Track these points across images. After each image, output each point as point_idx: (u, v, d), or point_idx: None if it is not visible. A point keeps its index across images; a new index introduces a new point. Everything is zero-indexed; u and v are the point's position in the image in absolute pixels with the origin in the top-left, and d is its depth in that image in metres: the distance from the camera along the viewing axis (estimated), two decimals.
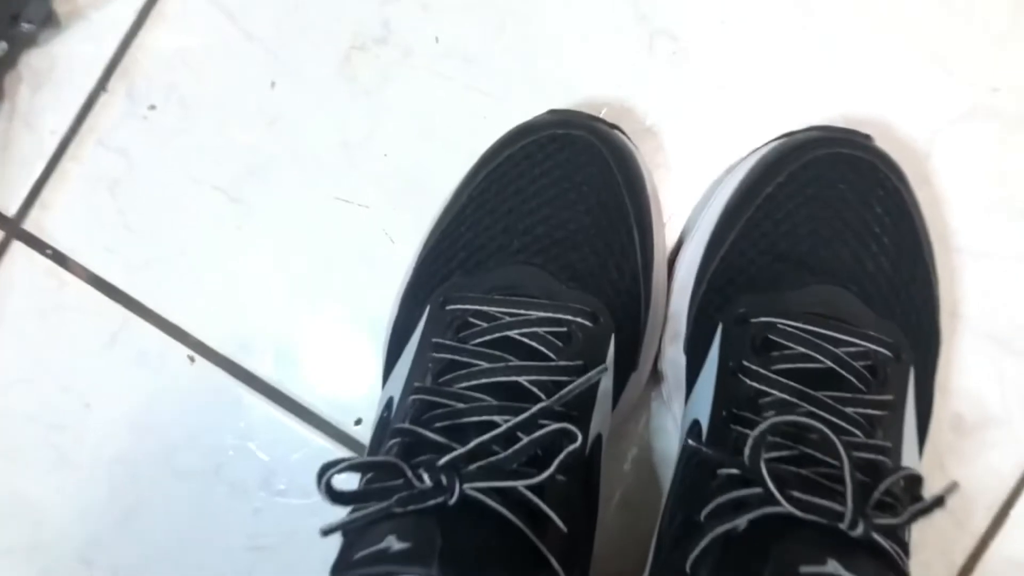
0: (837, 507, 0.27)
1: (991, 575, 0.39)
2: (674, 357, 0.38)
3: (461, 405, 0.31)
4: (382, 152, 0.43)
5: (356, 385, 0.43)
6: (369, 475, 0.31)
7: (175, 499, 0.43)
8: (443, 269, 0.36)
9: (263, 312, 0.43)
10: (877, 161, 0.35)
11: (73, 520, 0.43)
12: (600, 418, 0.34)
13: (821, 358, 0.32)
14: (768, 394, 0.31)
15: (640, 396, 0.40)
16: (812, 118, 0.40)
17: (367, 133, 0.43)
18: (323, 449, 0.42)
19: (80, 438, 0.43)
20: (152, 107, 0.44)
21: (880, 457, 0.30)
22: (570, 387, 0.30)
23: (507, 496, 0.28)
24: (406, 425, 0.31)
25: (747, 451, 0.27)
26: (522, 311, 0.33)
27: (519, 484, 0.28)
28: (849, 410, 0.31)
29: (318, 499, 0.27)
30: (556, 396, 0.30)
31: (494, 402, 0.31)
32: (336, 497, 0.27)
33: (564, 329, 0.33)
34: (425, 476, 0.28)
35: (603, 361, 0.33)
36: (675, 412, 0.39)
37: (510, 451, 0.29)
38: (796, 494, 0.27)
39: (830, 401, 0.31)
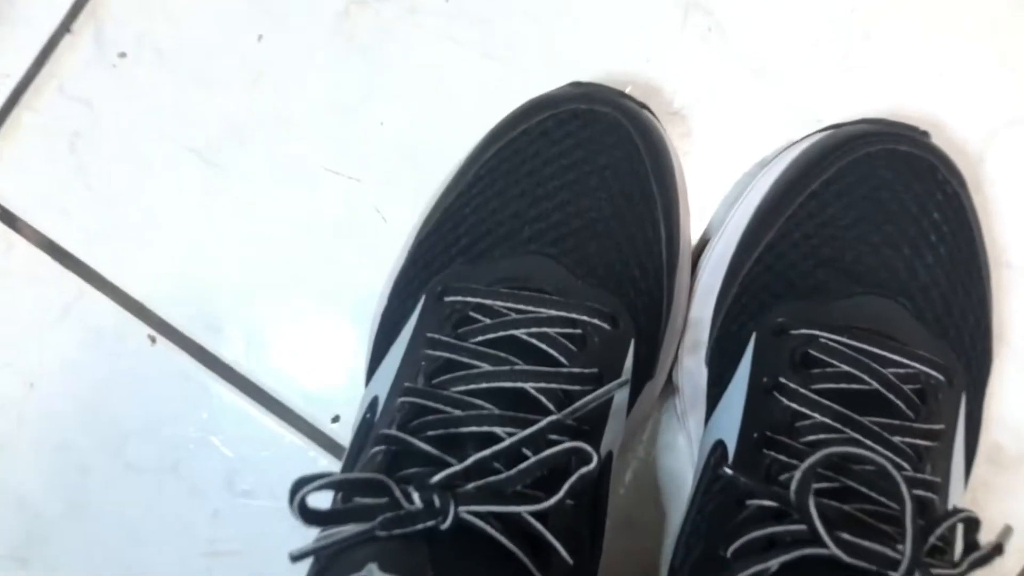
0: (891, 553, 0.25)
1: None
2: (693, 368, 0.36)
3: (457, 412, 0.30)
4: (378, 120, 0.41)
5: (335, 378, 0.42)
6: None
7: (126, 495, 0.42)
8: (442, 255, 0.35)
9: (235, 291, 0.42)
10: (937, 162, 0.34)
11: (8, 513, 0.42)
12: (612, 434, 0.32)
13: (868, 379, 0.30)
14: (807, 416, 0.30)
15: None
16: (856, 110, 0.39)
17: (362, 97, 0.42)
18: (295, 447, 0.41)
19: (21, 420, 0.43)
20: (122, 54, 0.42)
21: (929, 494, 0.29)
22: (585, 400, 0.29)
23: (507, 522, 0.27)
24: (393, 431, 0.30)
25: (794, 485, 0.26)
26: (531, 308, 0.32)
27: (523, 510, 0.27)
28: (897, 439, 0.30)
29: (286, 502, 0.26)
30: (569, 409, 0.29)
31: (495, 411, 0.29)
32: (311, 517, 0.26)
33: (578, 331, 0.32)
34: (415, 496, 0.26)
35: (620, 370, 0.32)
36: (690, 429, 0.37)
37: (514, 471, 0.27)
38: (846, 536, 0.26)
39: (877, 429, 0.29)
